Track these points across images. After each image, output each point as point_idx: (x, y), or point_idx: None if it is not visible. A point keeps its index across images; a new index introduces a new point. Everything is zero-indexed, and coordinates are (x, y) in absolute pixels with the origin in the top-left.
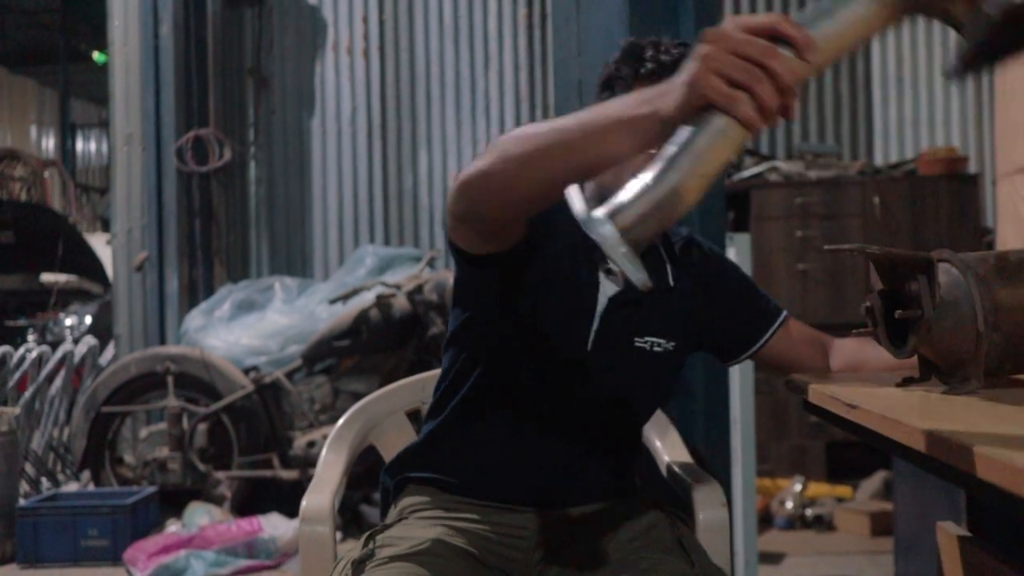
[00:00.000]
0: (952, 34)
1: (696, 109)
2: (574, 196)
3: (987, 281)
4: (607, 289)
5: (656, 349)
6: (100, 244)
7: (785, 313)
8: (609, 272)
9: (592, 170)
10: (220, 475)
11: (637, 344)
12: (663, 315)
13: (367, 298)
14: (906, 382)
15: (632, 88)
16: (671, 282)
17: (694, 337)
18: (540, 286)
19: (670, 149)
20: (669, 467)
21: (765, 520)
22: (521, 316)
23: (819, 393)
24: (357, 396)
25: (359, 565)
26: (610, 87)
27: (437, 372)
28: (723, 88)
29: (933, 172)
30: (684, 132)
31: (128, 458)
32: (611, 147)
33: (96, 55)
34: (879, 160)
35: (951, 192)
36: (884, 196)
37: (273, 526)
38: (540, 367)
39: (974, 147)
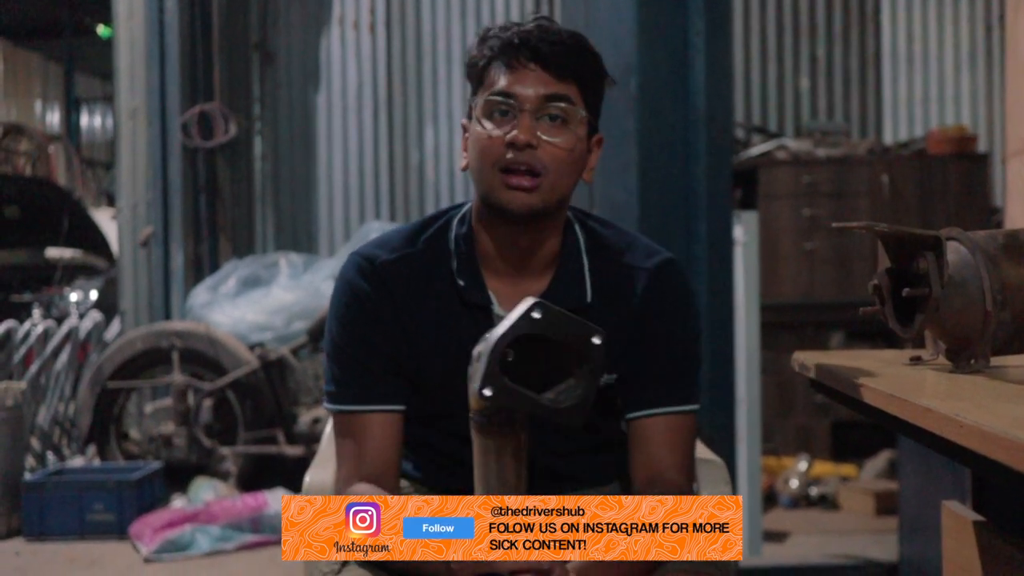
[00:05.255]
0: (964, 12)
1: None
2: None
3: (995, 260)
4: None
5: None
6: (105, 219)
7: (674, 409)
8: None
9: None
10: (225, 451)
11: None
12: None
13: None
14: (914, 361)
15: (484, 78)
16: (588, 298)
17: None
18: (434, 352)
19: None
20: None
21: (770, 499)
22: (429, 384)
23: (825, 372)
24: None
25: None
26: (471, 78)
27: None
28: None
29: (942, 151)
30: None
31: (134, 433)
32: None
33: (101, 29)
34: (888, 138)
35: (960, 171)
36: (893, 175)
37: (278, 501)
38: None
39: (984, 125)
